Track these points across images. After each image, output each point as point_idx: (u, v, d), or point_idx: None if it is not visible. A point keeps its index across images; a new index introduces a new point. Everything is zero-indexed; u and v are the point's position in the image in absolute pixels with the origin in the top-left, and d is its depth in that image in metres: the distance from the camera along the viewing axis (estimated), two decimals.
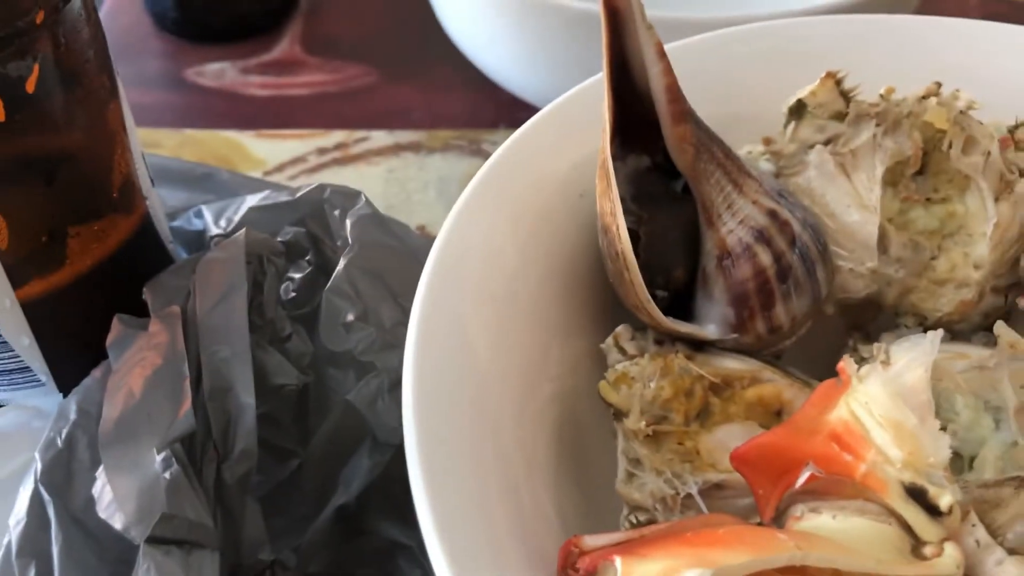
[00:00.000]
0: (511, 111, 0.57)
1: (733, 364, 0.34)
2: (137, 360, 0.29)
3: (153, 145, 0.56)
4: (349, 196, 0.37)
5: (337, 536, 0.31)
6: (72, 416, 0.30)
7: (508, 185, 0.36)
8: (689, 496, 0.30)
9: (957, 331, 0.38)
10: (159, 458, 0.26)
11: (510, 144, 0.37)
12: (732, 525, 0.26)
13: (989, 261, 0.36)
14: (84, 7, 0.31)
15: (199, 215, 0.41)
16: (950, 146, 0.37)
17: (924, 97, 0.37)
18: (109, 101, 0.33)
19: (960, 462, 0.34)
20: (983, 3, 0.66)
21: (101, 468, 0.26)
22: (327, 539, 0.31)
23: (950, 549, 0.26)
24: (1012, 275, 0.37)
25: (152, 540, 0.25)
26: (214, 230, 0.40)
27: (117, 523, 0.25)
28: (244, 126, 0.58)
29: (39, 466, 0.29)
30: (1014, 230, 0.37)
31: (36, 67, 0.29)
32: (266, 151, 0.56)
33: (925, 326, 0.38)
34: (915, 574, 0.25)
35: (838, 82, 0.38)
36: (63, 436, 0.29)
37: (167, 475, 0.26)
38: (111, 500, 0.25)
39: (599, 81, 0.39)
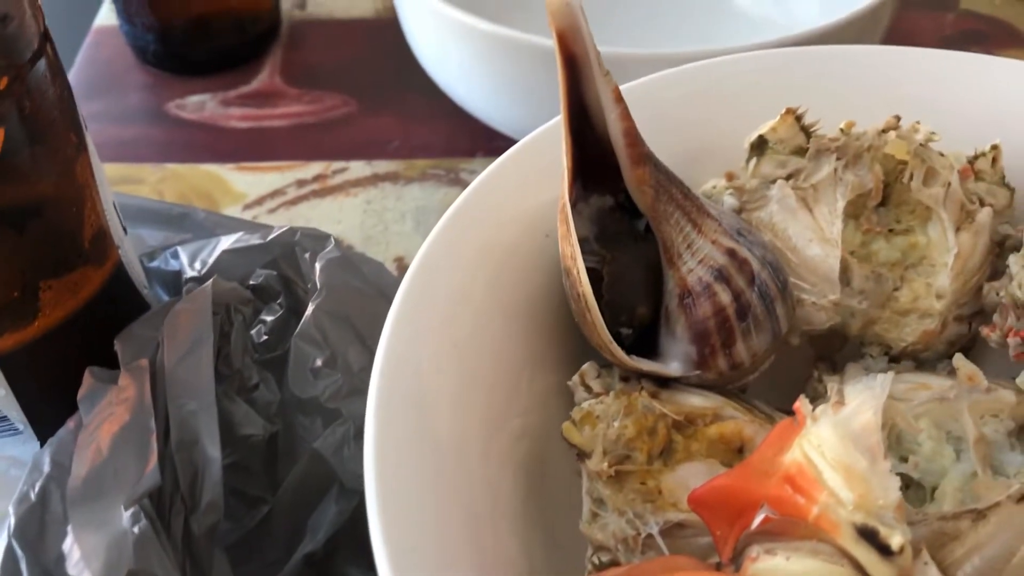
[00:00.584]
0: (488, 140, 0.58)
1: (696, 401, 0.34)
2: (106, 415, 0.29)
3: (135, 180, 0.57)
4: (319, 239, 0.38)
5: None
6: (46, 469, 0.31)
7: (475, 225, 0.37)
8: (650, 536, 0.31)
9: (922, 359, 0.38)
10: (127, 514, 0.27)
11: (478, 184, 0.38)
12: (688, 571, 0.27)
13: (951, 291, 0.37)
14: (49, 67, 0.31)
15: (175, 256, 0.42)
16: (911, 178, 0.38)
17: (884, 130, 0.38)
18: (77, 156, 0.34)
19: (923, 492, 0.34)
20: (959, 20, 0.67)
21: (70, 525, 0.27)
22: None
23: None
24: (975, 303, 0.38)
25: None
26: (189, 272, 0.40)
27: None
28: (224, 159, 0.58)
29: (12, 520, 0.29)
30: (975, 259, 0.38)
31: (1, 131, 0.30)
32: (246, 184, 0.57)
33: (890, 356, 0.38)
34: None
35: (798, 118, 0.38)
36: (36, 489, 0.30)
37: (135, 530, 0.27)
38: (79, 558, 0.26)
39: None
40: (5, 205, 0.32)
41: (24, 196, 0.32)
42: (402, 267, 0.50)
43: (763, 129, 0.38)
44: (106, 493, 0.27)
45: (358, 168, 0.57)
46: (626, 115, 0.34)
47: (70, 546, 0.26)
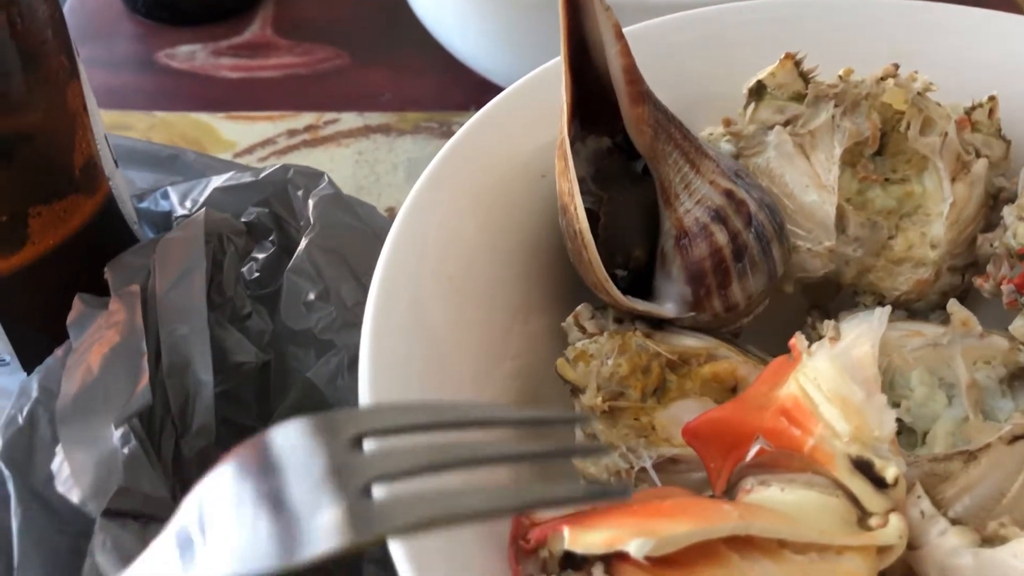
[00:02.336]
0: (481, 93, 0.57)
1: (690, 342, 0.34)
2: (96, 338, 0.29)
3: (124, 128, 0.56)
4: (312, 176, 0.37)
5: None
6: (34, 394, 0.30)
7: (469, 165, 0.37)
8: (643, 470, 0.31)
9: (915, 309, 0.38)
10: (117, 433, 0.26)
11: (472, 125, 0.38)
12: (678, 497, 0.27)
13: (946, 240, 0.37)
14: None
15: (165, 196, 0.41)
16: (908, 127, 0.38)
17: (882, 78, 0.38)
18: (69, 81, 0.33)
19: (914, 437, 0.35)
20: None
21: (60, 443, 0.26)
22: None
23: (895, 520, 0.27)
24: (968, 255, 0.38)
25: (109, 513, 0.25)
26: (179, 211, 0.40)
27: (74, 496, 0.25)
28: (215, 108, 0.58)
29: (0, 442, 0.29)
30: (970, 210, 0.38)
31: None
32: (236, 133, 0.56)
33: (883, 304, 0.38)
34: (858, 543, 0.26)
35: (797, 63, 0.38)
36: (24, 413, 0.30)
37: (125, 450, 0.26)
38: (68, 475, 0.25)
39: (559, 63, 0.39)
40: None
41: (14, 120, 0.32)
42: (393, 216, 0.50)
43: (762, 74, 0.38)
44: (96, 412, 0.26)
45: (350, 119, 0.57)
46: (626, 52, 0.33)
47: (59, 464, 0.26)
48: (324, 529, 0.17)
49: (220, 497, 0.19)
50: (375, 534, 0.18)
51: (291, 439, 0.19)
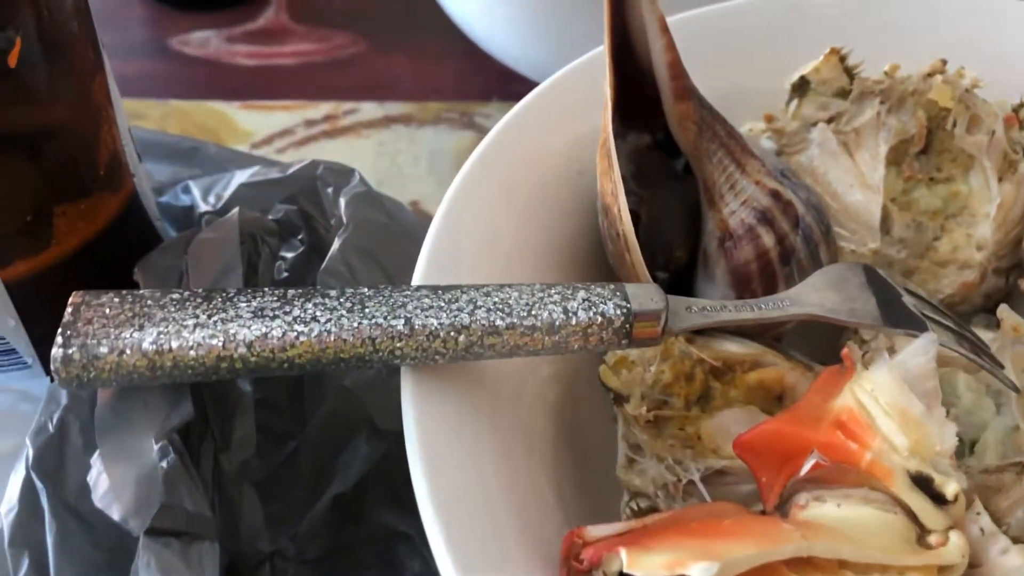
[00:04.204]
0: (504, 83, 0.56)
1: (734, 347, 0.33)
2: None
3: (137, 116, 0.55)
4: (343, 173, 0.36)
5: (335, 524, 0.31)
6: (63, 400, 0.29)
7: (505, 164, 0.36)
8: (691, 483, 0.30)
9: (959, 313, 0.38)
10: (156, 447, 0.25)
11: (507, 121, 0.37)
12: (737, 515, 0.26)
13: (992, 242, 0.36)
14: None
15: (187, 191, 0.40)
16: (954, 125, 0.37)
17: (929, 74, 0.37)
18: (94, 74, 0.32)
19: (961, 446, 0.34)
20: None
21: (96, 455, 0.25)
22: (324, 527, 0.30)
23: (955, 538, 0.26)
24: (1014, 256, 0.37)
25: (151, 532, 0.24)
26: (203, 207, 0.39)
27: (115, 513, 0.24)
28: (230, 97, 0.57)
29: (30, 452, 0.28)
30: (1017, 210, 0.37)
31: (18, 40, 0.28)
32: (253, 123, 0.55)
33: None
34: (921, 563, 0.25)
35: (842, 58, 0.37)
36: (54, 421, 0.29)
37: (164, 464, 0.25)
38: (108, 489, 0.25)
39: (598, 55, 0.38)
40: (20, 124, 0.30)
41: (39, 115, 0.31)
42: (419, 211, 0.49)
43: (805, 69, 0.37)
44: (135, 424, 0.25)
45: (369, 109, 0.56)
46: (671, 46, 0.32)
47: (96, 477, 0.25)
48: None
49: None
50: None
51: None
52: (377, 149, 0.53)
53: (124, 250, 0.35)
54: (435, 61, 0.59)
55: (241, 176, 0.39)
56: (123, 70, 0.58)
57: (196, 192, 0.40)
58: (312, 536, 0.30)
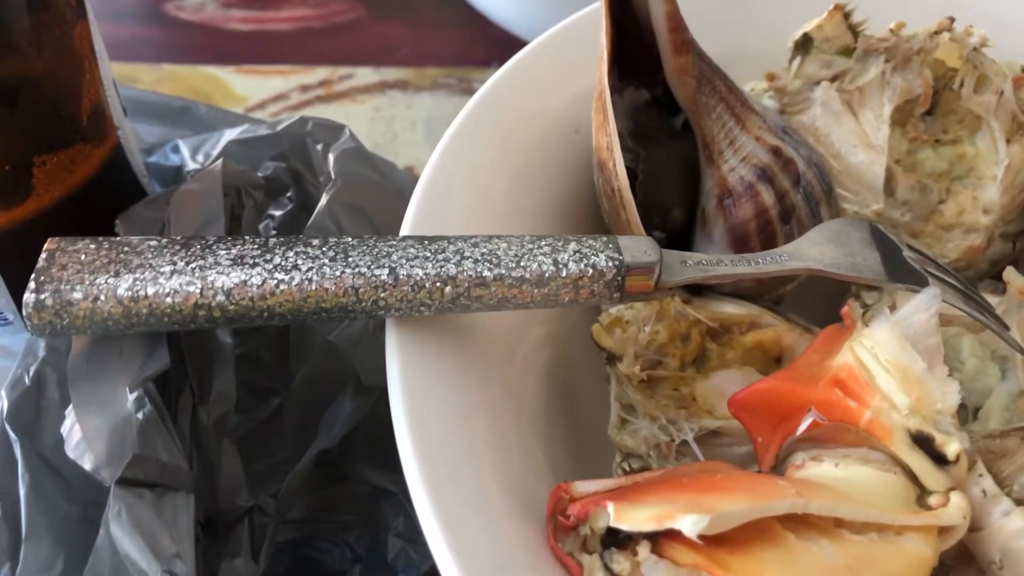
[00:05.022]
0: (503, 49, 0.55)
1: (731, 309, 0.32)
2: None
3: (130, 80, 0.54)
4: (332, 130, 0.35)
5: (318, 482, 0.30)
6: (40, 353, 0.29)
7: (497, 120, 0.35)
8: (684, 443, 0.29)
9: (964, 278, 0.37)
10: (131, 397, 0.25)
11: (499, 77, 0.36)
12: (729, 471, 0.25)
13: (999, 205, 0.35)
14: None
15: (176, 150, 0.39)
16: (961, 85, 0.36)
17: (936, 32, 0.36)
18: (76, 23, 0.31)
19: (964, 412, 0.33)
20: None
21: (71, 406, 0.25)
22: (308, 485, 0.30)
23: (956, 499, 0.25)
24: (1021, 221, 0.36)
25: (123, 482, 0.23)
26: (191, 165, 0.38)
27: (87, 463, 0.24)
28: (225, 61, 0.56)
29: (5, 404, 0.27)
30: None
31: None
32: (248, 87, 0.54)
33: None
34: (920, 523, 0.24)
35: (846, 15, 0.36)
36: (31, 373, 0.28)
37: (140, 415, 0.25)
38: (80, 439, 0.24)
39: (594, 11, 0.37)
40: None
41: (19, 63, 0.30)
42: (414, 177, 0.48)
43: (808, 26, 0.36)
44: (109, 373, 0.25)
45: (365, 75, 0.55)
46: None
47: (69, 427, 0.24)
48: None
49: None
50: None
51: None
52: (372, 115, 0.52)
53: (108, 205, 0.34)
54: (434, 28, 0.58)
55: (230, 134, 0.38)
56: (117, 34, 0.58)
57: (185, 151, 0.39)
58: (295, 494, 0.29)
